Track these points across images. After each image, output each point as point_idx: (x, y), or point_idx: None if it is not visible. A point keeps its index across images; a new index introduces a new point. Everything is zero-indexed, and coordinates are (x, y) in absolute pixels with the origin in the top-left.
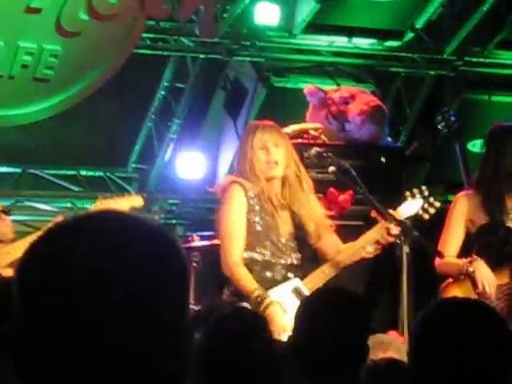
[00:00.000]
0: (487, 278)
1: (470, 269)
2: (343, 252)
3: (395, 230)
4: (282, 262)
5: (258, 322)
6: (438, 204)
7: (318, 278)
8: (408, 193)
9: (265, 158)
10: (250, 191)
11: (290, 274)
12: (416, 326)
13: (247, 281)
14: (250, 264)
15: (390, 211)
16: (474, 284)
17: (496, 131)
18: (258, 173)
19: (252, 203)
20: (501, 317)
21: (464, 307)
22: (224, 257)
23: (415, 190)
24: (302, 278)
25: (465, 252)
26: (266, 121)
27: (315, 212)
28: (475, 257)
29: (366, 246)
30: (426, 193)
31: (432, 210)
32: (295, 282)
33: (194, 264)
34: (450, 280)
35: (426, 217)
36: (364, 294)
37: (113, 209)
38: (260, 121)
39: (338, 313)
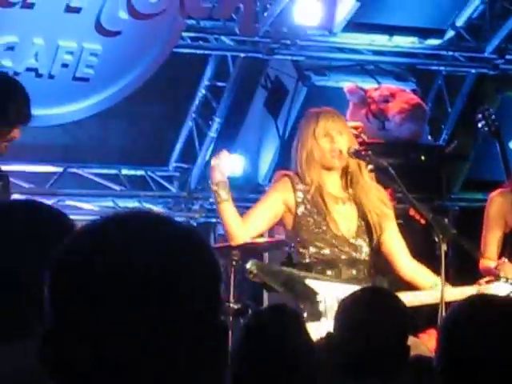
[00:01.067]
0: None
1: (497, 272)
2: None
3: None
4: (343, 257)
5: (296, 320)
6: None
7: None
8: (503, 274)
9: (329, 147)
10: (299, 184)
11: (354, 271)
12: (444, 322)
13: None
14: (311, 263)
15: (483, 286)
16: None
17: None
18: (315, 163)
19: (301, 196)
20: None
21: (495, 305)
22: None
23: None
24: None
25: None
26: (327, 108)
27: (377, 200)
28: (504, 259)
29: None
30: None
31: None
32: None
33: (234, 263)
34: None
35: None
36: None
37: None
38: (320, 108)
39: (378, 312)
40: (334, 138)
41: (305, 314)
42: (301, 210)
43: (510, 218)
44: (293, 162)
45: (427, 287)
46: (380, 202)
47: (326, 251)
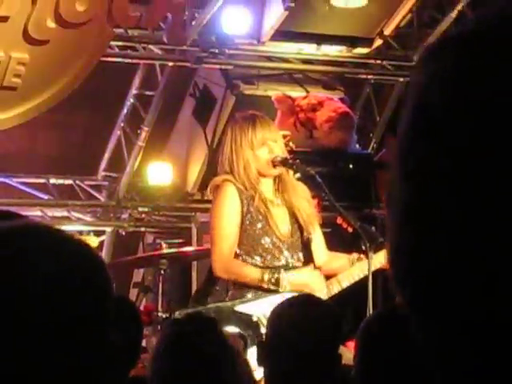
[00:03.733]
0: None
1: None
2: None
3: None
4: (282, 264)
5: (209, 325)
6: None
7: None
8: None
9: (267, 157)
10: (243, 192)
11: None
12: (359, 334)
13: (249, 270)
14: None
15: None
16: None
17: None
18: (252, 174)
19: (246, 205)
20: None
21: (406, 319)
22: (217, 258)
23: None
24: None
25: None
26: (256, 112)
27: (305, 200)
28: None
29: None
30: None
31: None
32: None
33: (162, 272)
34: None
35: None
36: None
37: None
38: (251, 113)
39: (309, 321)
40: (271, 148)
41: (248, 341)
42: (247, 218)
43: None
44: (223, 166)
45: (348, 267)
46: (307, 202)
47: (268, 256)
